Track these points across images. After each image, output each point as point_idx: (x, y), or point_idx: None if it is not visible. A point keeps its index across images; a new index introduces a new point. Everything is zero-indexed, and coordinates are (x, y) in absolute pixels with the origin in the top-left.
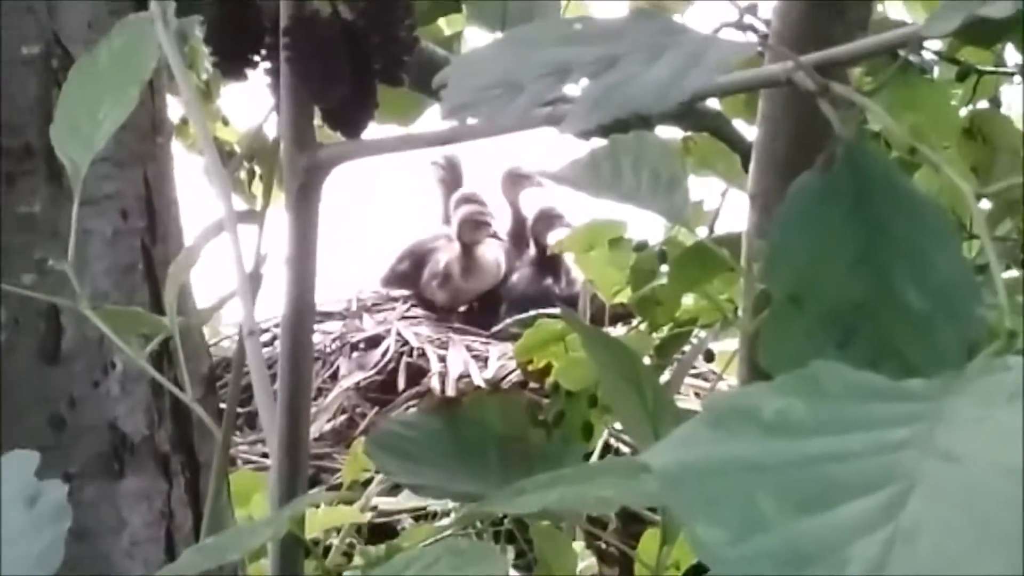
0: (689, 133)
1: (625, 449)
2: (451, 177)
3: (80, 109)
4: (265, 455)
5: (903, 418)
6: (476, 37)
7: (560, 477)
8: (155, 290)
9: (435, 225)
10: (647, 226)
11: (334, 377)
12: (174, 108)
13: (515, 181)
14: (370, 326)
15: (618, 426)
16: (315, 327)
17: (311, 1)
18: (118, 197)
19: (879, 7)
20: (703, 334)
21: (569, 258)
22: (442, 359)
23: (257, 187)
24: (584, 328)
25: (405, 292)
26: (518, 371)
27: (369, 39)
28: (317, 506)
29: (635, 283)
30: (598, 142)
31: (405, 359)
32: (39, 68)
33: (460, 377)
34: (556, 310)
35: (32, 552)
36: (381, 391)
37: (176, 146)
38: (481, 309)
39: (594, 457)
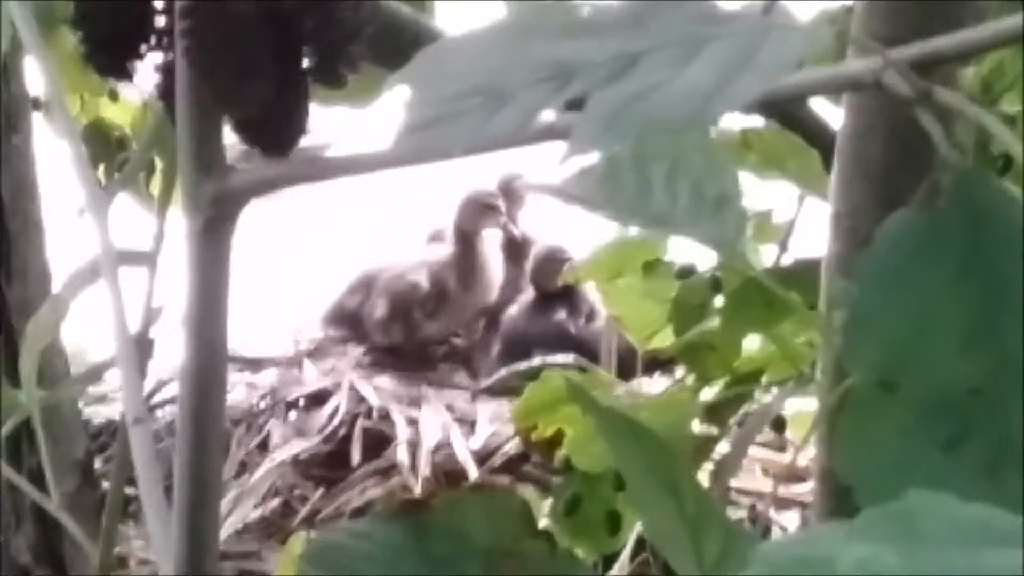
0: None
1: None
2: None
3: None
4: None
5: None
6: None
7: None
8: (11, 348)
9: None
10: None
11: (264, 447)
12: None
13: (511, 197)
14: (314, 378)
15: None
16: (241, 379)
17: None
18: None
19: None
20: (773, 392)
21: (590, 285)
22: (412, 422)
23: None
24: (596, 406)
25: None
26: (516, 440)
27: (299, 22)
28: None
29: (679, 322)
30: None
31: (361, 423)
32: None
33: (437, 448)
34: (569, 356)
35: None
36: (328, 467)
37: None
38: (465, 351)
39: (623, 559)
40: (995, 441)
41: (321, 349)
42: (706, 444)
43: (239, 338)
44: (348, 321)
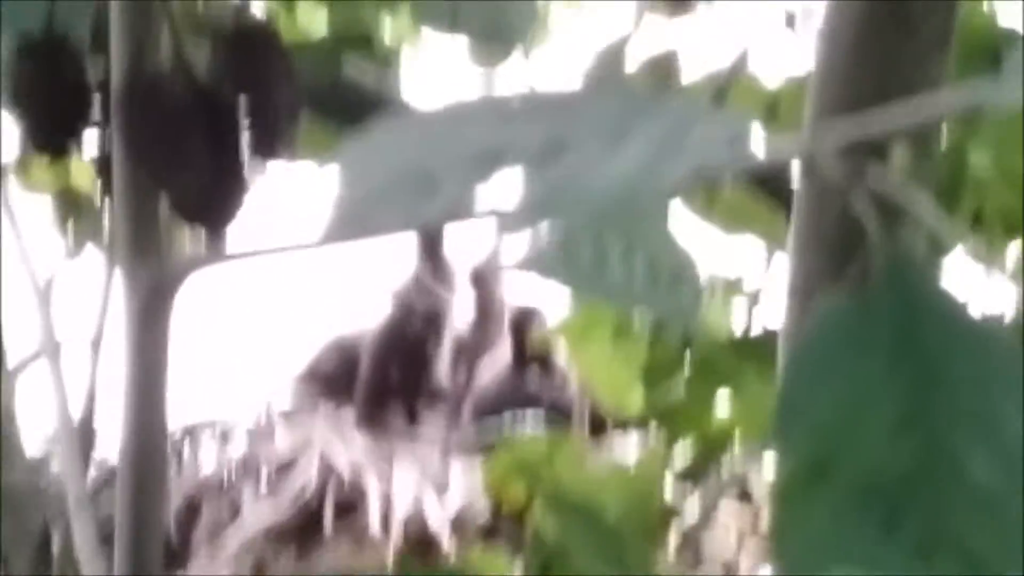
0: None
1: None
2: None
3: None
4: None
5: None
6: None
7: None
8: None
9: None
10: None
11: (235, 515)
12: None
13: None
14: (284, 443)
15: None
16: (212, 446)
17: (154, 53)
18: None
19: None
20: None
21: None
22: (384, 486)
23: None
24: (543, 491)
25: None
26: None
27: (236, 107)
28: None
29: (649, 383)
30: None
31: (332, 489)
32: None
33: (409, 511)
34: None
35: None
36: (299, 535)
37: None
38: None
39: None
40: (928, 527)
41: (292, 415)
42: (672, 512)
43: (210, 404)
44: (322, 386)
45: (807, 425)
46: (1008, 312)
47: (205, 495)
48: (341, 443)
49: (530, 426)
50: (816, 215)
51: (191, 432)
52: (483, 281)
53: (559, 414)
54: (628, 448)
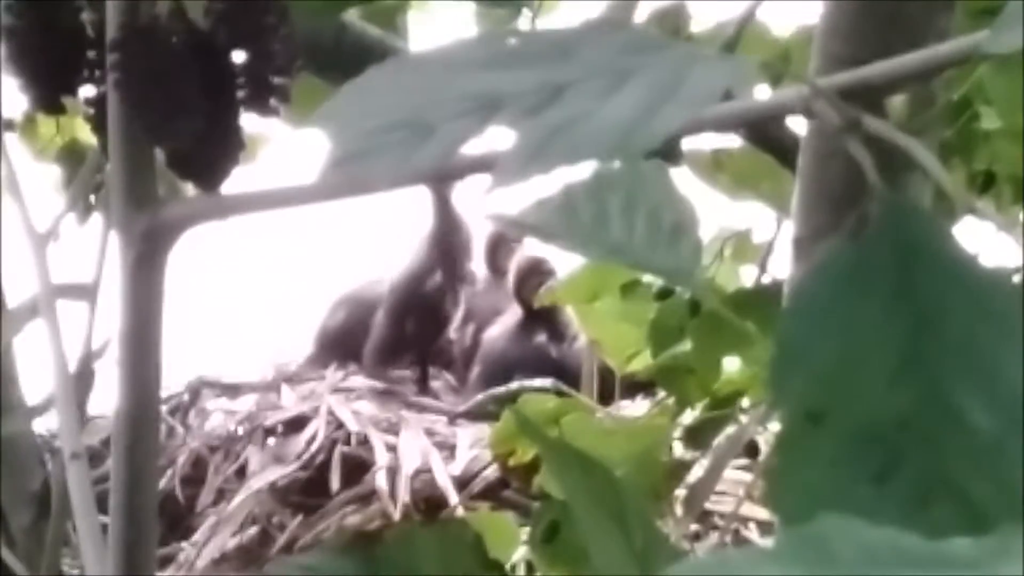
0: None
1: None
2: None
3: None
4: None
5: None
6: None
7: None
8: None
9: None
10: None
11: (241, 474)
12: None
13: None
14: (291, 403)
15: None
16: (218, 405)
17: (150, 1)
18: None
19: None
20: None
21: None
22: (392, 448)
23: None
24: (542, 438)
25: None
26: (496, 466)
27: (230, 56)
28: None
29: (656, 345)
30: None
31: (340, 448)
32: None
33: (417, 473)
34: (548, 380)
35: None
36: (306, 493)
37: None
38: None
39: None
40: (925, 474)
41: (299, 373)
42: (680, 469)
43: (216, 363)
44: (333, 345)
45: (804, 372)
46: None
47: (211, 454)
48: (349, 402)
49: (538, 388)
50: (821, 168)
51: (197, 390)
52: (494, 241)
53: (567, 378)
54: (636, 412)
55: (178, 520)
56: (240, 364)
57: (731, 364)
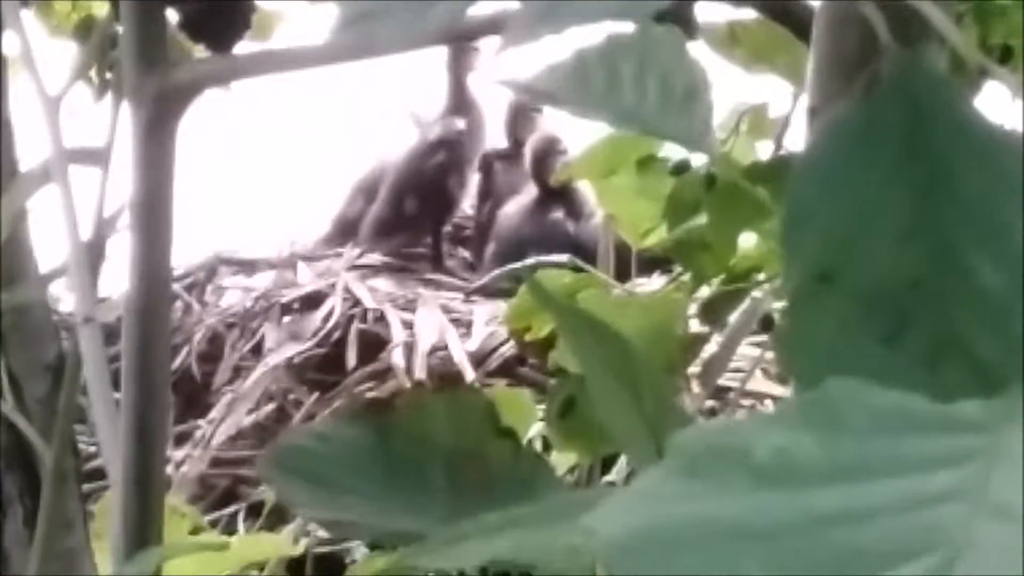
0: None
1: None
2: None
3: None
4: None
5: (949, 458)
6: None
7: (517, 518)
8: None
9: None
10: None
11: (257, 351)
12: None
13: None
14: (308, 279)
15: None
16: (235, 282)
17: None
18: None
19: None
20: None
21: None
22: (408, 325)
23: None
24: (555, 304)
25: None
26: (513, 342)
27: None
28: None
29: (672, 220)
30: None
31: (356, 325)
32: None
33: (433, 350)
34: (564, 256)
35: None
36: (323, 370)
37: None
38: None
39: (622, 463)
40: (934, 334)
41: (316, 250)
42: (696, 343)
43: (232, 240)
44: (351, 227)
45: (814, 232)
46: None
47: (228, 330)
48: (365, 280)
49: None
50: (835, 35)
51: (214, 267)
52: (514, 112)
53: (584, 255)
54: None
55: (195, 397)
56: (256, 241)
57: (747, 240)
